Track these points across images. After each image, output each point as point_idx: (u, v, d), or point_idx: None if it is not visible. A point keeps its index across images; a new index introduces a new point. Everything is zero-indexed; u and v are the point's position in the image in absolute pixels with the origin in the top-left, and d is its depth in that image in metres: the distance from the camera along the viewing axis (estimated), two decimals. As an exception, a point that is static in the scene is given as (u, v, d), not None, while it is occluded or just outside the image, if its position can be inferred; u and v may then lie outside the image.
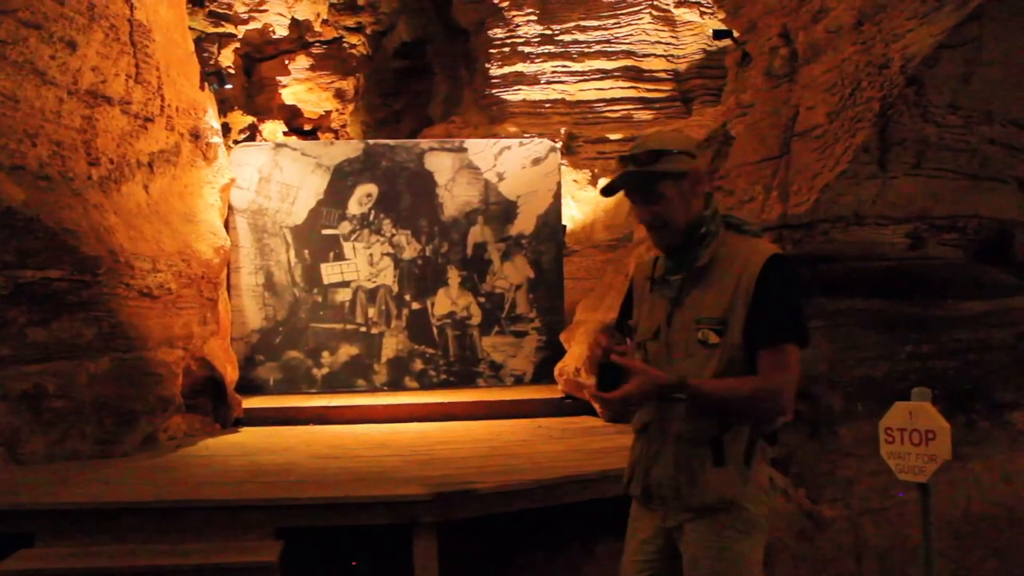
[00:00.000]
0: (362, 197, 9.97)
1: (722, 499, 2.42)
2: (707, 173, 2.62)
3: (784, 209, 6.10)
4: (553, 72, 12.15)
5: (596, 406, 7.67)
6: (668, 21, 12.01)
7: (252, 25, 12.49)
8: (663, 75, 12.21)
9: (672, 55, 12.16)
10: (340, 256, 9.91)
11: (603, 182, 2.58)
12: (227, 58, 12.32)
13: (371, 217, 9.97)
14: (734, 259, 2.47)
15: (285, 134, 12.78)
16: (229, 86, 11.86)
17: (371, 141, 10.98)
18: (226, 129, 11.34)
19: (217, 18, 12.23)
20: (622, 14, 11.98)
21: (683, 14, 11.98)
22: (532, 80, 12.17)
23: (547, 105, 12.16)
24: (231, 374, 8.13)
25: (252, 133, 12.32)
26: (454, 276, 10.02)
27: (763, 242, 2.54)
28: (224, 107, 11.45)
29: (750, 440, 2.44)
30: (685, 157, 2.50)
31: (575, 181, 11.71)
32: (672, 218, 2.52)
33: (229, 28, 12.34)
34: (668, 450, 2.52)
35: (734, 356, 2.43)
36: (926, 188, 5.91)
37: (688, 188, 2.50)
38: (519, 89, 12.17)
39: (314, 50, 13.29)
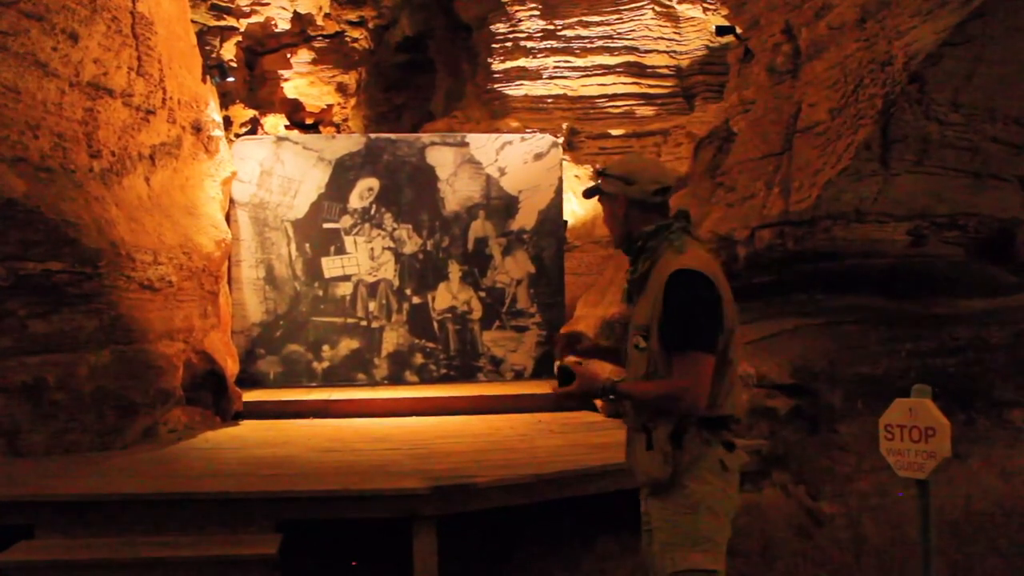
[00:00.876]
0: (363, 191, 9.96)
1: (651, 479, 2.78)
2: (645, 200, 2.93)
3: (786, 206, 6.10)
4: (555, 67, 12.14)
5: (596, 402, 7.68)
6: (671, 17, 12.00)
7: (254, 19, 12.48)
8: (665, 71, 12.20)
9: (674, 51, 12.14)
10: (341, 250, 9.91)
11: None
12: (229, 51, 12.31)
13: (372, 211, 9.96)
14: (658, 273, 2.80)
15: (287, 128, 12.77)
16: (231, 79, 11.83)
17: (373, 135, 10.98)
18: (228, 122, 11.33)
19: (219, 11, 12.22)
20: (625, 9, 11.97)
21: (686, 10, 11.97)
22: (534, 75, 12.15)
23: (549, 100, 12.15)
24: (231, 367, 8.13)
25: (254, 127, 12.30)
26: (455, 271, 10.02)
27: (680, 257, 2.79)
28: (226, 100, 11.45)
29: (677, 428, 2.73)
30: (618, 182, 2.94)
31: (576, 176, 11.70)
32: (608, 227, 3.06)
33: (231, 21, 12.33)
34: (632, 438, 2.93)
35: (655, 359, 2.77)
36: (928, 186, 5.92)
37: (617, 208, 2.96)
38: (521, 84, 12.16)
39: (316, 44, 13.27)
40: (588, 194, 3.12)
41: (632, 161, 3.11)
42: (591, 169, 11.76)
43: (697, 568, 2.69)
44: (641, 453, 2.80)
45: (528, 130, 11.35)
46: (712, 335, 2.72)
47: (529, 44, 12.15)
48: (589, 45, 12.08)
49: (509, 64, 12.20)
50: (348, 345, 9.83)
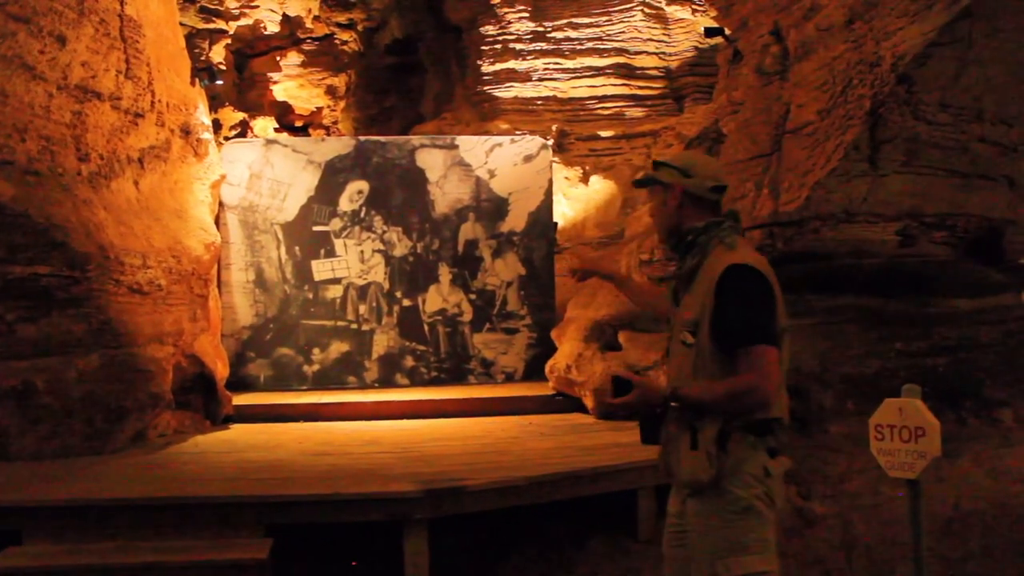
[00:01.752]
0: (353, 194, 9.95)
1: (694, 480, 2.72)
2: (702, 195, 2.89)
3: (775, 207, 6.11)
4: (545, 69, 12.14)
5: (587, 404, 7.68)
6: (660, 19, 12.02)
7: (243, 21, 12.44)
8: (655, 72, 12.21)
9: (664, 53, 12.16)
10: (331, 253, 9.89)
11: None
12: (218, 54, 12.26)
13: (362, 214, 9.95)
14: (709, 269, 2.76)
15: (276, 130, 12.73)
16: (220, 82, 11.79)
17: (362, 138, 10.96)
18: (217, 125, 11.29)
19: (208, 14, 12.18)
20: (614, 11, 11.98)
21: (675, 12, 11.99)
22: (524, 77, 12.16)
23: (539, 102, 12.15)
24: (221, 371, 8.10)
25: (243, 129, 12.27)
26: (445, 273, 10.01)
27: (733, 253, 2.76)
28: (215, 103, 11.41)
29: (722, 429, 2.67)
30: (675, 172, 2.88)
31: (566, 178, 11.70)
32: (655, 218, 3.00)
33: (220, 24, 12.29)
34: (673, 436, 2.84)
35: (703, 355, 2.72)
36: (916, 186, 5.93)
37: (670, 199, 2.89)
38: (511, 86, 12.16)
39: (305, 47, 13.23)
40: (640, 183, 3.05)
41: (691, 155, 3.06)
42: (581, 171, 11.76)
43: (751, 571, 2.67)
44: (685, 452, 2.75)
45: (518, 132, 11.35)
46: (772, 328, 2.69)
47: (519, 46, 12.15)
48: (579, 47, 12.09)
49: (499, 66, 12.20)
50: (338, 348, 9.81)
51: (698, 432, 2.70)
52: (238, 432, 7.40)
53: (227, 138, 11.26)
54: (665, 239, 2.99)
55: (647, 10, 11.94)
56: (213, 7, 12.16)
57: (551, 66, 12.13)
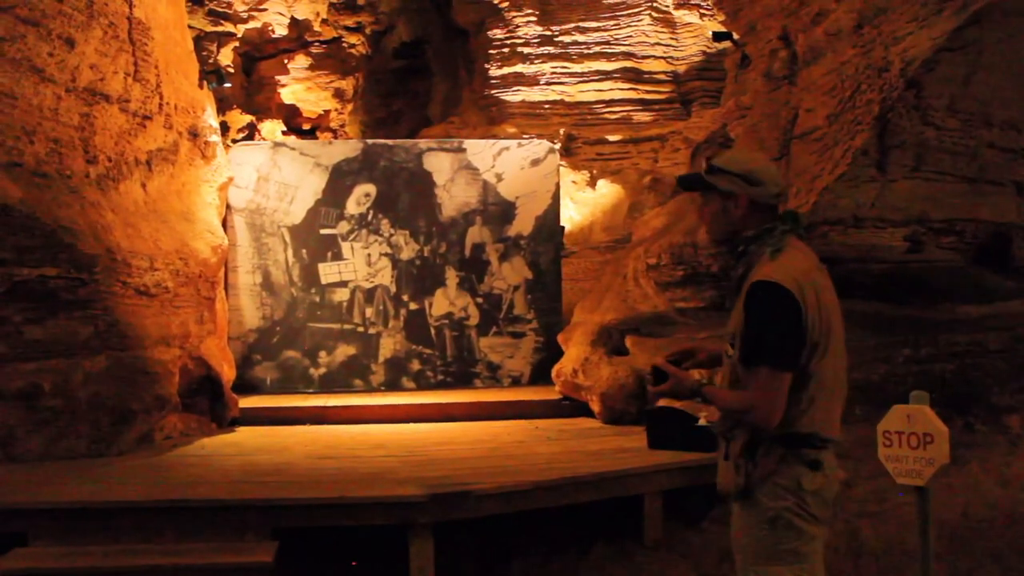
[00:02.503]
0: (360, 197, 9.95)
1: (726, 489, 2.78)
2: (767, 203, 2.82)
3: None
4: (552, 73, 12.14)
5: (594, 408, 7.67)
6: (668, 23, 12.02)
7: (251, 24, 12.48)
8: (662, 77, 12.21)
9: (671, 57, 12.15)
10: (338, 256, 9.89)
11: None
12: (226, 57, 12.30)
13: (369, 217, 9.95)
14: (749, 281, 2.72)
15: (284, 133, 12.76)
16: (228, 85, 11.83)
17: (370, 141, 10.96)
18: (224, 128, 11.31)
19: (216, 17, 12.22)
20: (622, 15, 11.98)
21: (683, 16, 11.98)
22: (531, 81, 12.16)
23: (546, 106, 12.15)
24: (228, 373, 8.11)
25: (251, 132, 12.29)
26: (452, 277, 10.00)
27: (767, 267, 2.69)
28: (223, 106, 11.43)
29: (749, 441, 2.69)
30: (740, 181, 2.79)
31: (574, 182, 11.69)
32: (710, 224, 2.93)
33: (228, 27, 12.33)
34: (720, 443, 2.89)
35: (736, 368, 2.73)
36: (925, 191, 5.92)
37: (733, 208, 2.81)
38: (518, 90, 12.17)
39: (313, 49, 13.27)
40: (689, 185, 3.01)
41: (750, 159, 2.95)
42: (588, 175, 11.75)
43: None
44: (720, 462, 2.82)
45: (525, 136, 11.35)
46: (787, 351, 2.62)
47: (526, 50, 12.16)
48: (586, 51, 12.09)
49: (506, 70, 12.20)
50: (345, 351, 9.80)
51: (729, 443, 2.76)
52: (244, 435, 7.40)
53: (235, 141, 11.28)
54: (720, 243, 3.01)
55: (655, 14, 11.94)
56: (221, 10, 12.20)
57: (558, 70, 12.14)
